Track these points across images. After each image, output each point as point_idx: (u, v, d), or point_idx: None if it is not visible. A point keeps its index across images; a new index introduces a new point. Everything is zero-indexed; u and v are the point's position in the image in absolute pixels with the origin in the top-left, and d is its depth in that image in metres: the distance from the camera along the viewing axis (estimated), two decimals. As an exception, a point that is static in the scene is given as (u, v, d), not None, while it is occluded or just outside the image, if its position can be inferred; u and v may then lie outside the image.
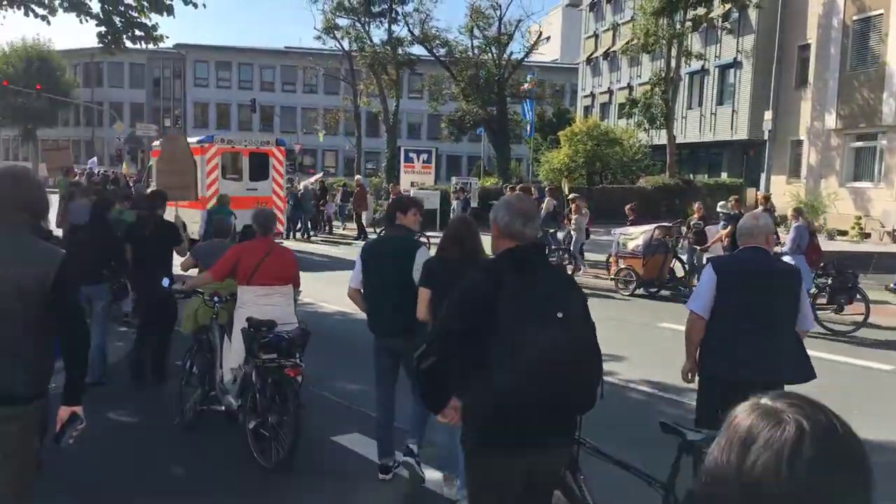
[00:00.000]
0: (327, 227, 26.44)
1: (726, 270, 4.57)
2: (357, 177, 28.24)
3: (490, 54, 30.93)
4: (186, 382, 6.65)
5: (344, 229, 27.17)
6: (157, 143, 24.83)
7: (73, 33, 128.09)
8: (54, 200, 20.33)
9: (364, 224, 23.92)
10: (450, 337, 2.94)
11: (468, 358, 2.89)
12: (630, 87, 40.39)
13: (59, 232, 10.71)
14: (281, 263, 6.01)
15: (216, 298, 6.33)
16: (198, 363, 6.62)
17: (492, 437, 2.96)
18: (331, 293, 13.01)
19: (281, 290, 5.96)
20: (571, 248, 16.16)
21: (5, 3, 13.20)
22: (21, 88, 46.00)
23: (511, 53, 31.42)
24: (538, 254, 3.16)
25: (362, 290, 5.49)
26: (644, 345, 10.21)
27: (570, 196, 17.91)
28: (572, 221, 16.49)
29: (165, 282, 6.71)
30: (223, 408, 6.22)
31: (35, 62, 52.50)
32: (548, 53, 50.29)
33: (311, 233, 25.17)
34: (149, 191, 11.59)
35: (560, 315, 2.88)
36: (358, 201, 24.45)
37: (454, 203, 22.90)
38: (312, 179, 28.55)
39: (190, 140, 22.54)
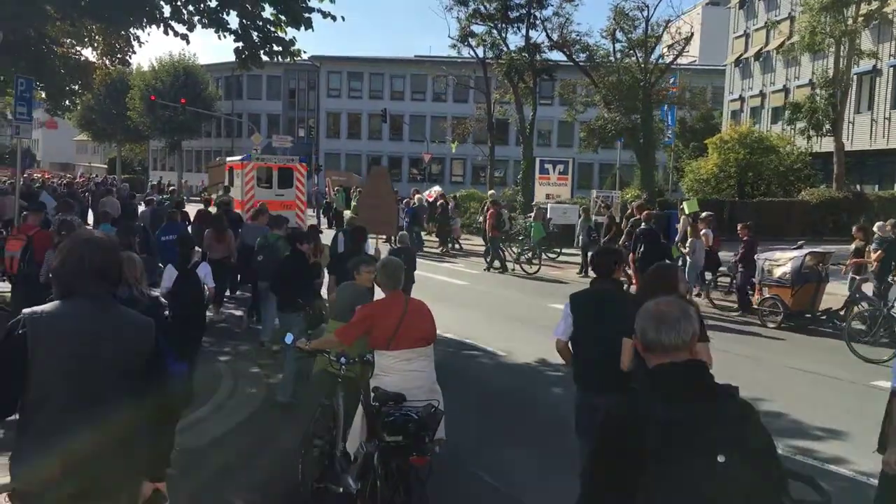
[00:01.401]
0: (456, 245, 25.31)
1: None
2: (490, 192, 27.02)
3: (635, 58, 28.92)
4: (306, 451, 5.82)
5: (469, 243, 26.03)
6: (228, 158, 26.83)
7: (215, 48, 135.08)
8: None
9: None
10: (598, 484, 2.45)
11: None
12: (786, 89, 37.22)
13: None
14: (421, 321, 5.17)
15: (343, 359, 5.45)
16: (319, 432, 5.78)
17: None
18: (476, 329, 11.72)
19: (424, 352, 5.13)
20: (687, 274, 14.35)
21: (145, 20, 13.00)
22: (168, 103, 48.19)
23: (660, 57, 29.27)
24: (693, 373, 2.43)
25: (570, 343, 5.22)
26: (862, 413, 8.27)
27: (703, 215, 16.09)
28: (687, 244, 14.77)
29: (289, 338, 5.94)
30: (341, 489, 5.27)
31: (181, 76, 54.98)
32: (687, 55, 47.38)
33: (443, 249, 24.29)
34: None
35: (721, 459, 2.29)
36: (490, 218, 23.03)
37: (585, 220, 20.82)
38: (429, 193, 27.72)
39: (233, 158, 26.45)
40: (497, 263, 19.86)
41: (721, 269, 15.66)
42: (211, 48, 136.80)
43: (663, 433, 2.28)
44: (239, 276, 13.20)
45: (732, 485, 2.29)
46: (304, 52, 13.66)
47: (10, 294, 11.18)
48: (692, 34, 29.69)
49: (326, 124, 61.39)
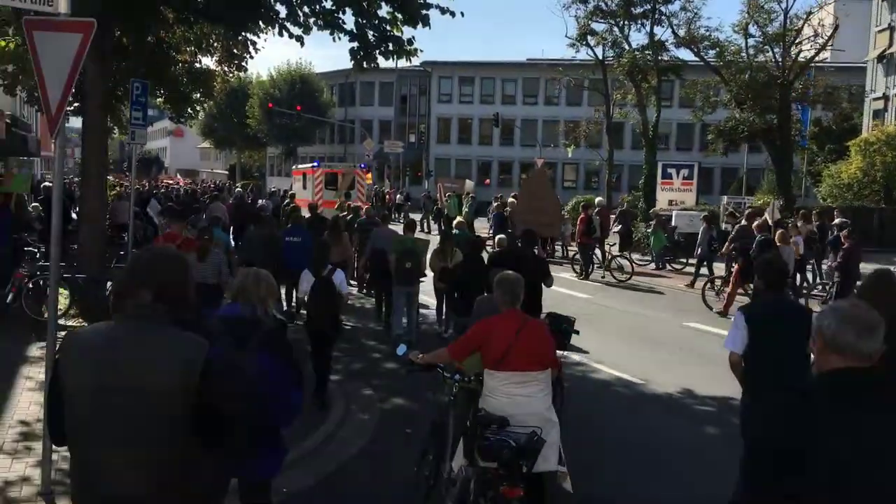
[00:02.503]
0: (552, 252, 23.69)
1: None
2: (598, 199, 25.49)
3: (771, 53, 26.75)
4: (419, 469, 5.55)
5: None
6: (300, 166, 28.91)
7: (330, 56, 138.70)
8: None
9: (595, 258, 19.98)
10: (760, 487, 2.35)
11: None
12: (938, 85, 33.75)
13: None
14: (537, 342, 4.82)
15: (457, 376, 5.25)
16: (430, 450, 5.56)
17: None
18: (606, 351, 10.44)
19: (537, 376, 4.75)
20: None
21: (261, 22, 12.68)
22: (285, 110, 49.35)
23: (799, 52, 26.94)
24: (878, 379, 2.28)
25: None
26: None
27: (837, 221, 14.70)
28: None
29: (401, 349, 5.69)
30: None
31: (297, 84, 56.27)
32: (831, 48, 43.72)
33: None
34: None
35: None
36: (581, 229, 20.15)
37: (708, 228, 18.91)
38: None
39: (305, 165, 31.21)
40: (591, 269, 19.07)
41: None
42: (326, 57, 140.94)
43: (834, 439, 2.19)
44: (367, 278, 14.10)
45: None
46: (421, 51, 12.96)
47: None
48: (837, 25, 27.17)
49: (437, 129, 61.23)
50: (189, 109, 25.78)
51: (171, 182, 48.27)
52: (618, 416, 8.14)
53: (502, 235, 13.27)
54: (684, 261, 21.25)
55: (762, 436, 2.42)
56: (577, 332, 7.10)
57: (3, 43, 14.16)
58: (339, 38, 12.97)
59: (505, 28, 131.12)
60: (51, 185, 32.48)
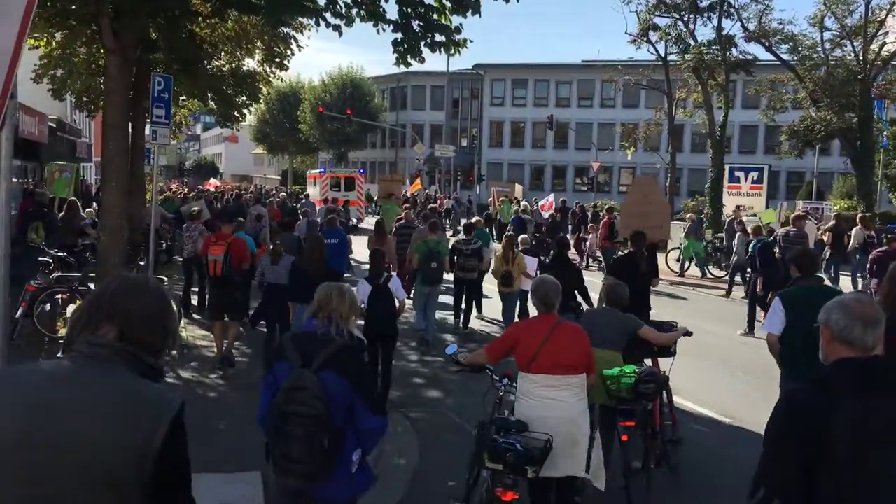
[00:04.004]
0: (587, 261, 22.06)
1: None
2: None
3: (850, 47, 24.85)
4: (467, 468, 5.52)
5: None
6: (310, 171, 33.43)
7: (383, 61, 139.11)
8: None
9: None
10: (775, 478, 2.36)
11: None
12: None
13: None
14: (567, 346, 4.76)
15: (505, 380, 5.28)
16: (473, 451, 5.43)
17: None
18: (677, 373, 8.73)
19: (567, 380, 4.72)
20: None
21: (297, 13, 11.74)
22: (336, 115, 48.87)
23: (883, 45, 24.97)
24: (879, 365, 2.43)
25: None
26: None
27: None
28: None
29: (450, 349, 5.76)
30: None
31: (349, 88, 55.84)
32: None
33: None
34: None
35: None
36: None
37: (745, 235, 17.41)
38: (544, 203, 25.23)
39: (314, 171, 37.65)
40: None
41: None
42: (378, 62, 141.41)
43: (854, 425, 2.25)
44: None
45: None
46: (471, 41, 11.82)
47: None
48: (925, 15, 25.14)
49: (489, 133, 60.14)
50: (235, 113, 25.31)
51: (215, 187, 48.19)
52: (711, 466, 6.82)
53: (524, 235, 13.72)
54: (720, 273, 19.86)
55: (780, 422, 2.43)
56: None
57: (32, 41, 13.58)
58: (383, 30, 11.99)
59: (559, 30, 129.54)
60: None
